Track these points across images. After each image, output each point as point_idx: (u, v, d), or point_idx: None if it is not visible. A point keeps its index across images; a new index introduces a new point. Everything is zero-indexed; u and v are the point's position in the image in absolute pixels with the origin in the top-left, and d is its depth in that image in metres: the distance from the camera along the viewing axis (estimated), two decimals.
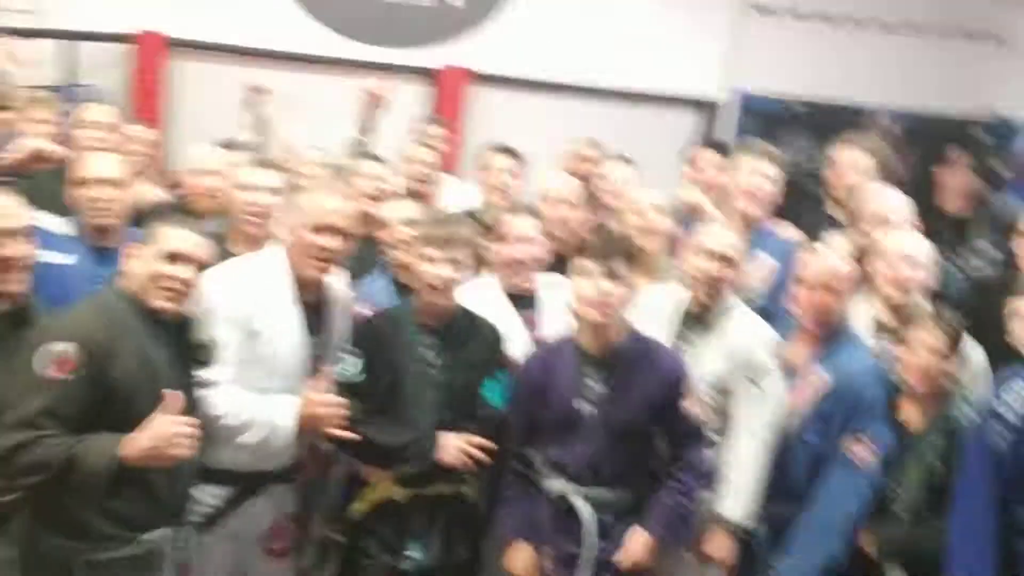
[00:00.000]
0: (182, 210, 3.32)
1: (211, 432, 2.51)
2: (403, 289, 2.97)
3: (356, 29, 5.71)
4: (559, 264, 3.07)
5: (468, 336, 2.75)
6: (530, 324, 3.02)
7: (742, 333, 2.88)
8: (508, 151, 4.09)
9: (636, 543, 2.62)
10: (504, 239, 3.05)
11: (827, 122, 6.11)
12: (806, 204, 4.15)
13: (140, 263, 2.36)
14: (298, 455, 2.73)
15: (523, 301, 3.02)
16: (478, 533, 2.84)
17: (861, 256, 3.20)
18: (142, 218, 2.94)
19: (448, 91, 5.68)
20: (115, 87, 5.33)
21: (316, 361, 2.70)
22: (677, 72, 6.15)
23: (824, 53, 6.36)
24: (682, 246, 3.22)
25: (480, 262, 3.13)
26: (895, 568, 2.71)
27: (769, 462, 2.81)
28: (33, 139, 3.53)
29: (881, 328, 3.02)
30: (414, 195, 3.67)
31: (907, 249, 3.02)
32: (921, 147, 6.05)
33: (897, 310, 2.99)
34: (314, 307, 2.73)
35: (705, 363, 2.86)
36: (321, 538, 2.91)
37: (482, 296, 2.96)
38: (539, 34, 5.91)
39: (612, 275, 2.54)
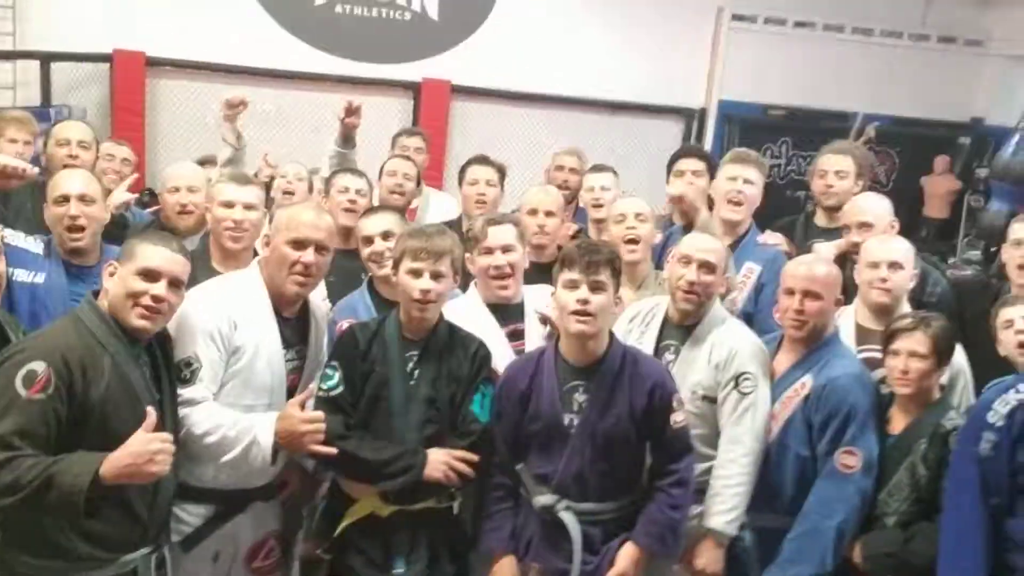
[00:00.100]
0: (160, 227, 3.29)
1: (192, 450, 2.49)
2: (385, 303, 2.94)
3: (335, 44, 5.72)
4: (542, 274, 3.04)
5: (452, 349, 2.72)
6: (515, 335, 2.99)
7: (727, 341, 2.86)
8: (489, 162, 4.07)
9: (625, 557, 2.60)
10: (486, 250, 3.02)
11: (809, 128, 6.15)
12: (789, 210, 4.16)
13: (116, 281, 2.33)
14: (281, 472, 2.70)
15: (505, 311, 2.99)
16: (464, 548, 2.81)
17: (845, 262, 3.20)
18: (119, 234, 2.91)
19: (431, 103, 5.69)
20: (96, 106, 5.33)
21: (298, 377, 2.68)
22: (658, 82, 6.19)
23: (804, 61, 6.41)
24: (666, 255, 3.20)
25: (464, 274, 3.11)
26: None
27: (756, 472, 2.79)
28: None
29: (866, 334, 3.00)
30: (394, 207, 3.65)
31: (891, 254, 3.01)
32: (903, 152, 6.09)
33: (881, 315, 2.97)
34: (296, 323, 2.71)
35: (690, 372, 2.84)
36: (306, 555, 2.87)
37: (464, 309, 2.93)
38: (519, 46, 5.93)
39: (596, 285, 2.52)
